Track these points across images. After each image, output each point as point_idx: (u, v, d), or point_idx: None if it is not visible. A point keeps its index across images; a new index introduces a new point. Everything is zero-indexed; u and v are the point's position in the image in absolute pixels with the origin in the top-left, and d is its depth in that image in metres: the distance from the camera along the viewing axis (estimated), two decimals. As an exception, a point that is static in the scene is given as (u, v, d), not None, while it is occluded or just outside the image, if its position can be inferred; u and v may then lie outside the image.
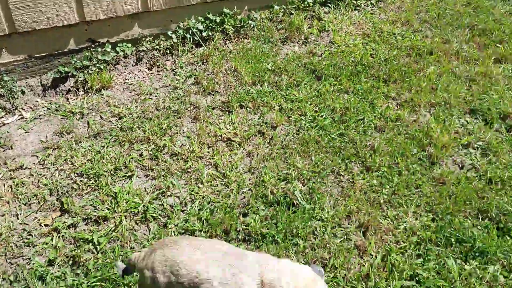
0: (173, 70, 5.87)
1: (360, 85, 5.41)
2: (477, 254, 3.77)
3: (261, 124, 4.97)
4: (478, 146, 4.74)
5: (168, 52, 6.10)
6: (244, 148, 4.72)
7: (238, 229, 3.98)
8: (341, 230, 3.99)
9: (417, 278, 3.62)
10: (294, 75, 5.59)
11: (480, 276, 3.64)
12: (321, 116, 5.02)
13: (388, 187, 4.31)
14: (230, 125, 4.93)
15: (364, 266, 3.71)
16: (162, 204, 4.20)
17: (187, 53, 6.10)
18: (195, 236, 3.91)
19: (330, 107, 5.12)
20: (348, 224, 4.04)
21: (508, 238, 3.89)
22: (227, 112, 5.15)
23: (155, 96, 5.41)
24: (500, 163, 4.52)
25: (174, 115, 5.09)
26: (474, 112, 5.16)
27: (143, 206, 4.14)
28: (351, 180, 4.39)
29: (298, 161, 4.53)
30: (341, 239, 3.92)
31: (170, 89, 5.52)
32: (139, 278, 2.99)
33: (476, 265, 3.70)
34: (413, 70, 5.83)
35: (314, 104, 5.19)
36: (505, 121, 5.03)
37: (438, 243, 3.87)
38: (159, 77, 5.76)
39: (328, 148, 4.67)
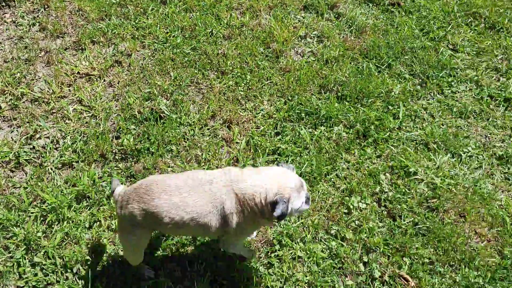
0: (14, 22, 5.62)
1: (204, 1, 5.69)
2: (323, 120, 4.44)
3: (117, 54, 5.08)
4: (314, 35, 5.35)
5: (4, 5, 5.79)
6: (104, 80, 4.84)
7: (114, 151, 4.21)
8: (208, 129, 4.41)
9: (278, 151, 4.21)
10: (140, 3, 5.69)
11: (328, 137, 4.32)
12: (173, 36, 5.26)
13: (243, 84, 4.78)
14: (86, 62, 4.98)
15: (232, 152, 4.20)
16: (33, 147, 4.25)
17: (25, 2, 5.85)
18: (75, 167, 4.08)
19: (179, 26, 5.36)
20: (214, 123, 4.46)
21: (346, 103, 4.60)
22: (80, 50, 5.16)
23: (0, 49, 5.21)
24: (332, 45, 5.19)
25: (26, 64, 4.99)
26: (307, 7, 5.74)
27: (14, 153, 4.17)
28: (209, 86, 4.78)
29: (158, 80, 4.78)
30: (209, 136, 4.35)
31: (16, 40, 5.33)
32: (118, 220, 3.09)
33: (324, 129, 4.37)
34: (251, -20, 6.23)
35: (164, 26, 5.40)
36: (333, 10, 5.69)
37: (292, 119, 4.47)
38: (0, 31, 5.50)
39: (184, 62, 4.97)
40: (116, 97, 4.67)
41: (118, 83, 4.79)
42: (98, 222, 3.74)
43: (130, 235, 3.02)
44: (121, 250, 3.52)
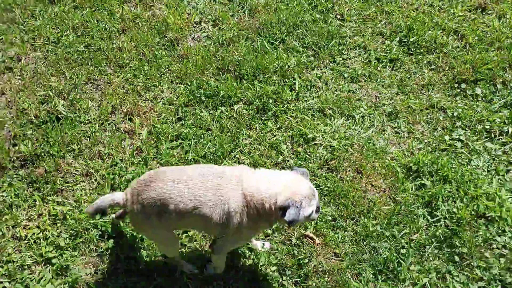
0: None
1: (93, -3, 5.60)
2: (223, 101, 4.54)
3: (6, 60, 4.89)
4: (209, 19, 5.42)
5: None
6: (-5, 88, 4.67)
7: (12, 159, 4.09)
8: (109, 124, 4.38)
9: (181, 136, 4.27)
10: (27, 6, 5.49)
11: (229, 116, 4.44)
12: (65, 35, 5.13)
13: (142, 75, 4.78)
14: (-28, 73, 4.77)
15: (136, 143, 4.21)
16: None
17: None
18: None
19: (71, 25, 5.23)
20: (115, 117, 4.44)
21: (244, 81, 4.72)
22: (-35, 61, 4.92)
23: None
24: (227, 27, 5.28)
25: None
26: (200, -7, 5.80)
27: None
28: (107, 81, 4.73)
29: (53, 81, 4.67)
30: (111, 131, 4.33)
31: None
32: (131, 217, 3.04)
33: (224, 109, 4.48)
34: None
35: (54, 27, 5.25)
36: (226, -7, 5.80)
37: (192, 104, 4.54)
38: None
39: (79, 61, 4.88)
40: (9, 105, 4.52)
41: (10, 89, 4.62)
42: (0, 233, 3.63)
43: (153, 229, 3.00)
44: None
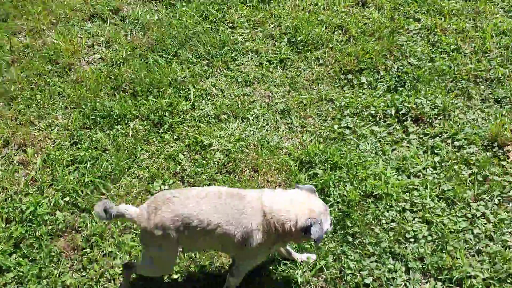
0: None
1: (-21, 32, 5.50)
2: (119, 120, 4.58)
3: None
4: (101, 41, 5.46)
5: None
6: None
7: None
8: (1, 157, 4.31)
9: (77, 160, 4.26)
10: None
11: (125, 134, 4.47)
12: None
13: (34, 105, 4.73)
14: None
15: (30, 173, 4.16)
16: None
17: None
18: None
19: (-44, 64, 5.13)
20: (7, 150, 4.37)
21: (138, 97, 4.78)
22: None
23: None
24: (120, 47, 5.34)
25: None
26: (92, 17, 5.80)
27: None
28: (-4, 116, 4.67)
29: None
30: (4, 164, 4.25)
31: None
32: (143, 236, 3.02)
33: (120, 127, 4.52)
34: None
35: None
36: (118, 14, 5.81)
37: (88, 126, 4.54)
38: None
39: (-34, 98, 4.79)
40: None
41: None
42: None
43: (159, 249, 3.00)
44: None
